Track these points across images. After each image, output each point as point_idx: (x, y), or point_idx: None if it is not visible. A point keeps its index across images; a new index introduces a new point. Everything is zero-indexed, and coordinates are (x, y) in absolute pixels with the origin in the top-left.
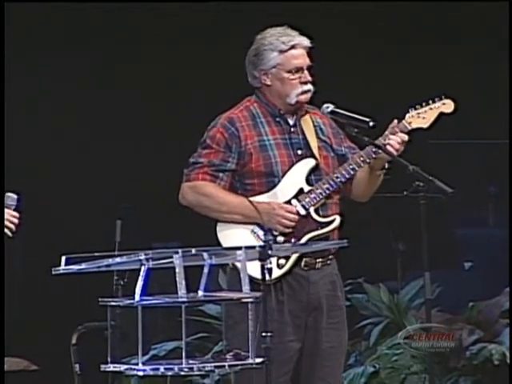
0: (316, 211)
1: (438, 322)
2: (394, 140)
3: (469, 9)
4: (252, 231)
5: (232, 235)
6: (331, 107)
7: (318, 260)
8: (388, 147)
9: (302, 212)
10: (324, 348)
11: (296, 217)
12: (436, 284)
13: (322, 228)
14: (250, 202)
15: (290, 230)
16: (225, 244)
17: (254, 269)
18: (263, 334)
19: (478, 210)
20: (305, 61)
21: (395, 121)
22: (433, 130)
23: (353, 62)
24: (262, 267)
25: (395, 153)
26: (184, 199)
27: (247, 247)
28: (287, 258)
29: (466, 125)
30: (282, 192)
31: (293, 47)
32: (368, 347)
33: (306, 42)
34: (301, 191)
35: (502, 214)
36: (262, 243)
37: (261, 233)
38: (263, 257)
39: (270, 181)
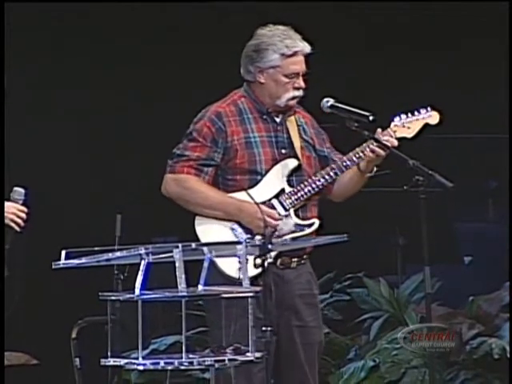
0: (295, 212)
1: (438, 317)
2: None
3: (468, 9)
4: (231, 228)
5: (211, 230)
6: (331, 101)
7: (293, 259)
8: (373, 148)
9: (283, 213)
10: (301, 346)
11: (278, 223)
12: (436, 278)
13: (301, 230)
14: (234, 200)
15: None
16: (203, 239)
17: (229, 267)
18: (263, 328)
19: (478, 204)
20: (302, 67)
21: (379, 129)
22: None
23: (353, 62)
24: (263, 262)
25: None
26: (166, 190)
27: (247, 241)
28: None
29: (466, 119)
30: (262, 191)
31: (295, 53)
32: (368, 341)
33: (307, 48)
34: (282, 191)
35: (502, 209)
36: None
37: (240, 230)
38: (263, 252)
39: (253, 178)
